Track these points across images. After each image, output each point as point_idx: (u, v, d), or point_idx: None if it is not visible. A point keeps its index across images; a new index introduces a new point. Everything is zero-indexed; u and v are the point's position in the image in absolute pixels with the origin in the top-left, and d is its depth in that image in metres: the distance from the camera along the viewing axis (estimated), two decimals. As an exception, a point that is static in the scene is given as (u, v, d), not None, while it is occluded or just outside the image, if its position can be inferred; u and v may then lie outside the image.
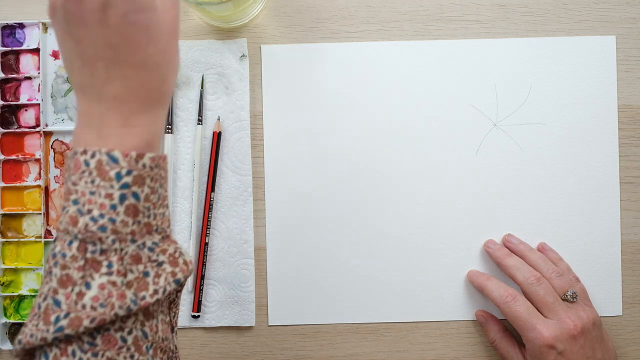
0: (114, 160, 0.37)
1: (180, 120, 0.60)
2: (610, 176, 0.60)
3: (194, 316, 0.59)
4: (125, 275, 0.38)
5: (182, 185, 0.60)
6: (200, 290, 0.59)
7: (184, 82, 0.60)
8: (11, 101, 0.59)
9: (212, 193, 0.59)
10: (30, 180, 0.59)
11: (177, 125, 0.60)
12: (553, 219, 0.60)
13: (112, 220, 0.37)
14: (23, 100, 0.59)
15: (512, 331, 0.59)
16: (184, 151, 0.60)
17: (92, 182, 0.37)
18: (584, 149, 0.60)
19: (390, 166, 0.60)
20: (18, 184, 0.59)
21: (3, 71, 0.59)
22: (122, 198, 0.37)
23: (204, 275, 0.59)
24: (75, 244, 0.37)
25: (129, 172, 0.38)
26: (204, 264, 0.59)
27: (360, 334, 0.60)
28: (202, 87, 0.60)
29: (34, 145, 0.60)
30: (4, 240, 0.59)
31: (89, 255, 0.37)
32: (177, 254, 0.40)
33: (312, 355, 0.60)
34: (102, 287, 0.37)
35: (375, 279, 0.60)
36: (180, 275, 0.40)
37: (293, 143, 0.60)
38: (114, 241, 0.37)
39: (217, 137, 0.59)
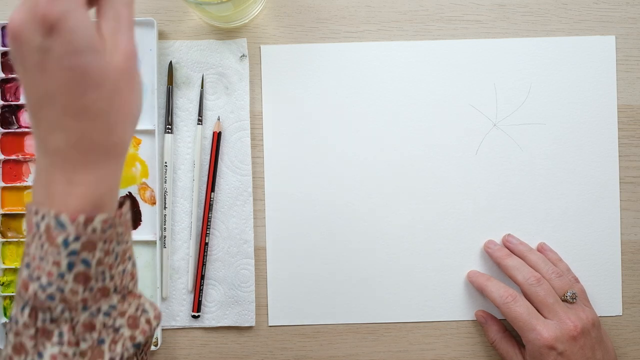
0: (61, 225, 0.35)
1: (180, 120, 0.60)
2: (610, 176, 0.60)
3: (194, 316, 0.59)
4: (77, 344, 0.36)
5: (182, 185, 0.60)
6: (200, 290, 0.59)
7: (184, 82, 0.60)
8: (11, 101, 0.59)
9: (212, 193, 0.59)
10: (30, 181, 0.59)
11: (177, 125, 0.60)
12: (553, 218, 0.60)
13: (61, 290, 0.35)
14: (23, 100, 0.59)
15: (511, 331, 0.59)
16: (184, 151, 0.60)
17: (42, 246, 0.35)
18: (584, 149, 0.60)
19: (389, 166, 0.60)
20: (18, 184, 0.59)
21: (3, 71, 0.59)
22: (70, 266, 0.35)
23: (204, 275, 0.59)
24: (27, 311, 0.35)
25: (76, 239, 0.35)
26: (204, 264, 0.59)
27: (360, 334, 0.60)
28: (202, 87, 0.60)
29: (34, 145, 0.60)
30: (4, 240, 0.59)
31: (39, 323, 0.35)
32: (138, 313, 0.38)
33: (312, 355, 0.60)
34: (53, 357, 0.35)
35: (375, 279, 0.60)
36: (140, 338, 0.38)
37: (293, 143, 0.60)
38: (63, 310, 0.35)
39: (217, 137, 0.59)
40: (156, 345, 0.58)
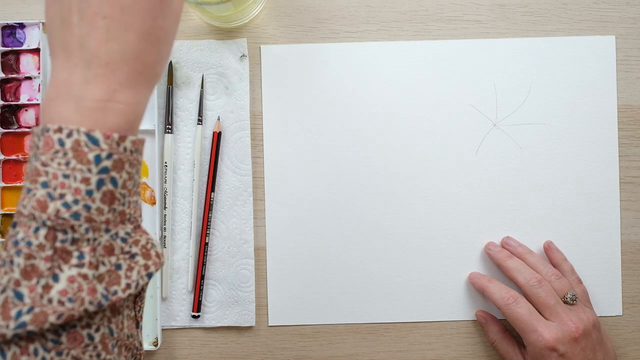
0: (94, 141, 0.34)
1: (180, 120, 0.60)
2: (610, 176, 0.60)
3: (194, 316, 0.59)
4: (97, 267, 0.35)
5: (182, 185, 0.60)
6: (200, 290, 0.59)
7: (184, 82, 0.60)
8: (11, 101, 0.59)
9: (212, 193, 0.59)
10: (30, 180, 0.59)
11: (177, 125, 0.60)
12: (553, 219, 0.60)
13: (87, 207, 0.34)
14: (23, 100, 0.59)
15: (512, 331, 0.59)
16: (184, 151, 0.60)
17: (67, 164, 0.34)
18: (584, 149, 0.60)
19: (390, 166, 0.60)
20: (18, 184, 0.59)
21: (3, 71, 0.59)
22: (100, 183, 0.35)
23: (204, 275, 0.59)
24: (42, 232, 0.34)
25: (109, 156, 0.35)
26: (204, 264, 0.59)
27: (360, 334, 0.60)
28: (202, 87, 0.60)
29: (34, 145, 0.60)
30: (4, 240, 0.59)
31: (58, 244, 0.34)
32: (149, 246, 0.38)
33: (312, 355, 0.60)
34: (71, 280, 0.34)
35: (375, 279, 0.60)
36: (152, 269, 0.38)
37: (293, 143, 0.60)
38: (87, 230, 0.35)
39: (217, 137, 0.59)
40: (156, 345, 0.58)
